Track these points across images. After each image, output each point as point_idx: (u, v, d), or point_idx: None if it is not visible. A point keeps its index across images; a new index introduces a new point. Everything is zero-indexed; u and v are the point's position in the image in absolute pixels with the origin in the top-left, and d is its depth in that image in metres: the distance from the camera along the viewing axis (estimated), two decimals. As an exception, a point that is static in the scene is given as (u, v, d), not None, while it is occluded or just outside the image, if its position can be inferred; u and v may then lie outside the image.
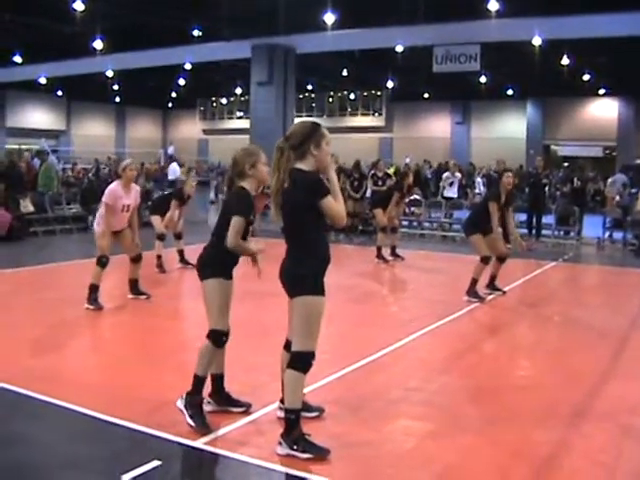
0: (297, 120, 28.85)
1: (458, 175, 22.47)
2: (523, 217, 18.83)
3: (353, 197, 18.81)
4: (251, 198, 5.60)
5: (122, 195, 9.75)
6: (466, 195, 24.75)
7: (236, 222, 5.40)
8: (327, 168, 5.14)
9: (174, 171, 26.92)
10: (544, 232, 18.88)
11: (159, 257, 12.92)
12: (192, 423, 5.36)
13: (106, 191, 9.71)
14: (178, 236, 13.51)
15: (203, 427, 5.36)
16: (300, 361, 4.99)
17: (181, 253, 13.51)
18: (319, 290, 4.99)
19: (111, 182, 10.35)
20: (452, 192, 21.58)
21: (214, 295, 5.51)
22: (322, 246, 5.08)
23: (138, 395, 6.17)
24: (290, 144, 5.06)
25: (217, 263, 5.55)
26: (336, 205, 4.97)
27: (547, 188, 22.39)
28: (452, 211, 20.88)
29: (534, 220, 18.51)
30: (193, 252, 5.92)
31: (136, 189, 10.11)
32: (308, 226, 4.99)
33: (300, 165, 5.04)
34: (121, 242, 10.05)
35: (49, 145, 39.41)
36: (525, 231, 18.56)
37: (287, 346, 5.31)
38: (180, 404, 5.48)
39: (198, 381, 5.48)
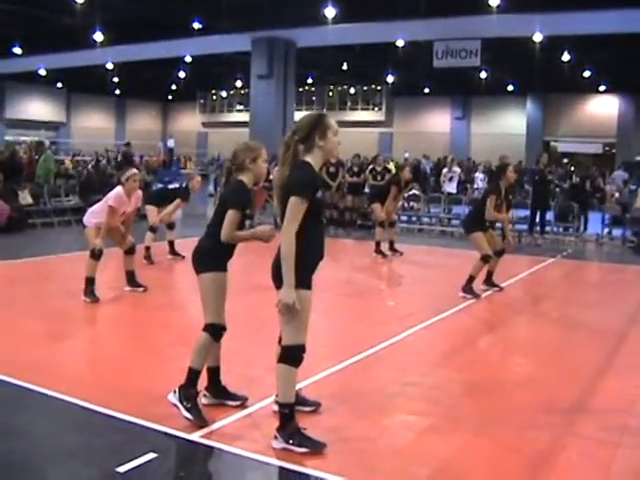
0: (297, 114, 28.96)
1: (457, 170, 22.48)
2: (524, 213, 18.80)
3: (329, 185, 18.52)
4: (248, 191, 5.59)
5: (125, 202, 9.87)
6: (465, 190, 24.74)
7: (231, 215, 5.40)
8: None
9: None
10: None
11: (147, 248, 12.80)
12: (189, 416, 5.34)
13: (112, 195, 9.74)
14: (170, 226, 13.46)
15: (200, 420, 5.34)
16: (290, 355, 4.96)
17: (172, 244, 13.44)
18: (307, 284, 4.94)
19: (110, 175, 10.37)
20: (452, 187, 21.60)
21: (211, 289, 5.49)
22: (315, 241, 5.02)
23: (135, 387, 6.16)
24: (297, 138, 5.03)
25: (213, 256, 5.52)
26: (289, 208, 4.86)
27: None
28: (451, 206, 20.86)
29: (538, 216, 18.39)
30: (190, 245, 5.87)
31: (138, 195, 10.18)
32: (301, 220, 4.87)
33: (308, 158, 5.02)
34: (112, 236, 10.04)
35: (48, 137, 39.43)
36: (525, 227, 18.56)
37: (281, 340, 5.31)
38: (173, 398, 5.43)
39: (193, 374, 5.44)
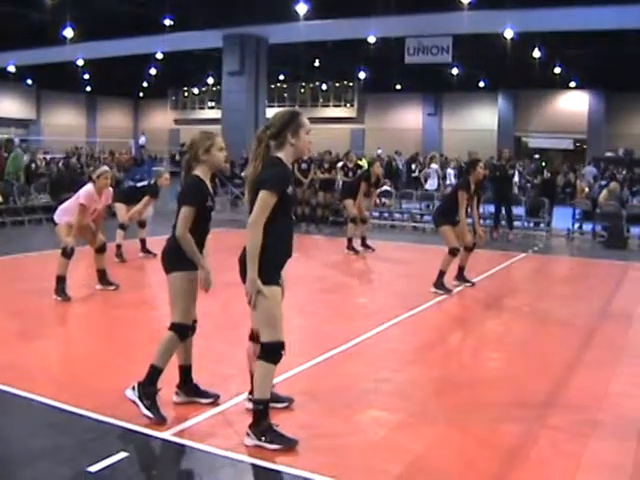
0: (268, 110, 28.93)
1: (434, 166, 22.47)
2: (492, 208, 18.90)
3: (301, 182, 18.51)
4: (202, 186, 5.54)
5: (96, 199, 9.79)
6: (439, 186, 24.80)
7: (184, 212, 5.40)
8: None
9: None
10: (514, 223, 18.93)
11: (119, 247, 12.78)
12: (149, 414, 5.30)
13: (83, 192, 9.66)
14: (142, 224, 13.44)
15: (160, 419, 5.31)
16: (270, 352, 4.94)
17: (143, 242, 13.42)
18: (275, 281, 4.95)
19: (81, 172, 10.28)
20: (433, 185, 21.62)
21: (180, 289, 5.45)
22: (284, 238, 5.01)
23: (106, 386, 6.11)
24: (269, 133, 5.00)
25: (182, 255, 5.44)
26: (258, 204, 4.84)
27: (517, 179, 22.54)
28: (427, 202, 20.87)
29: (503, 211, 18.53)
30: (161, 243, 5.83)
31: (108, 192, 10.11)
32: (270, 216, 4.85)
33: (279, 154, 5.00)
34: (82, 235, 9.98)
35: (17, 134, 39.07)
36: (491, 222, 18.66)
37: (252, 337, 5.30)
38: (131, 395, 5.39)
39: (155, 372, 5.40)
